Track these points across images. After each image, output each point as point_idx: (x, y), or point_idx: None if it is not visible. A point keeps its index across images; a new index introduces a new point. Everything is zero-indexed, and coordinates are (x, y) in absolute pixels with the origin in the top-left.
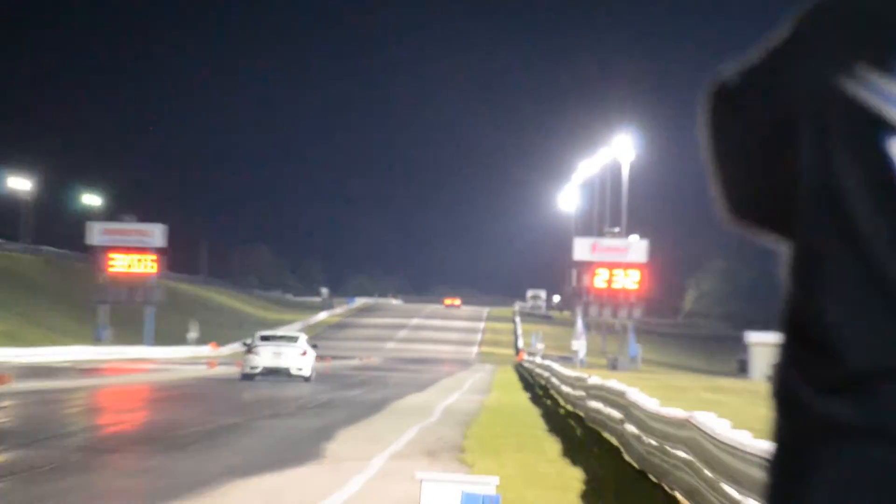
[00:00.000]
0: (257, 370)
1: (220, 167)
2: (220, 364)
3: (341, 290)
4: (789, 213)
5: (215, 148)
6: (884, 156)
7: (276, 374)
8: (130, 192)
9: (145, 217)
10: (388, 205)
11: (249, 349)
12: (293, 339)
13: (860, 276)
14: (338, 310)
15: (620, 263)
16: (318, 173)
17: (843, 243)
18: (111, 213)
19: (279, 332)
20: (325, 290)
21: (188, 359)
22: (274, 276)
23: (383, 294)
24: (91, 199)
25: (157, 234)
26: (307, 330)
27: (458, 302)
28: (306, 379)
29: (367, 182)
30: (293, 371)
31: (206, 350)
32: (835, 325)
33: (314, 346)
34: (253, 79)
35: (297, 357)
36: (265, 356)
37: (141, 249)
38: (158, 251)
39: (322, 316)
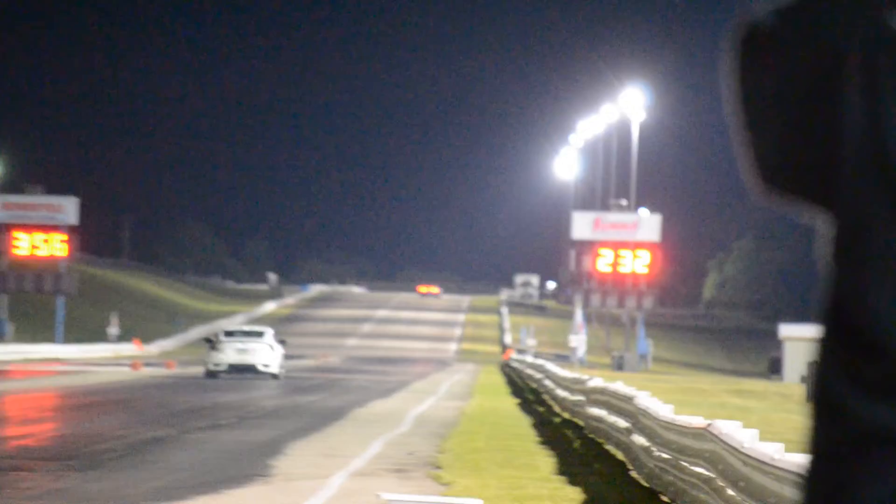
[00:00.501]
0: (221, 367)
1: (148, 131)
2: (147, 365)
3: (293, 276)
4: (832, 179)
5: (142, 109)
6: None
7: (243, 371)
8: (39, 160)
9: (55, 189)
10: (348, 175)
11: (213, 345)
12: (259, 335)
13: None
14: (289, 299)
15: (628, 243)
16: (265, 139)
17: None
18: (14, 185)
19: (245, 326)
20: (273, 276)
21: (108, 359)
22: (212, 259)
23: (343, 281)
24: None
25: (68, 209)
26: (252, 323)
27: (435, 290)
28: (274, 376)
29: (322, 148)
30: (260, 368)
31: (130, 348)
32: (886, 316)
33: (282, 342)
34: (192, 31)
35: (263, 353)
36: (229, 353)
37: (49, 227)
38: (70, 230)
39: (270, 307)
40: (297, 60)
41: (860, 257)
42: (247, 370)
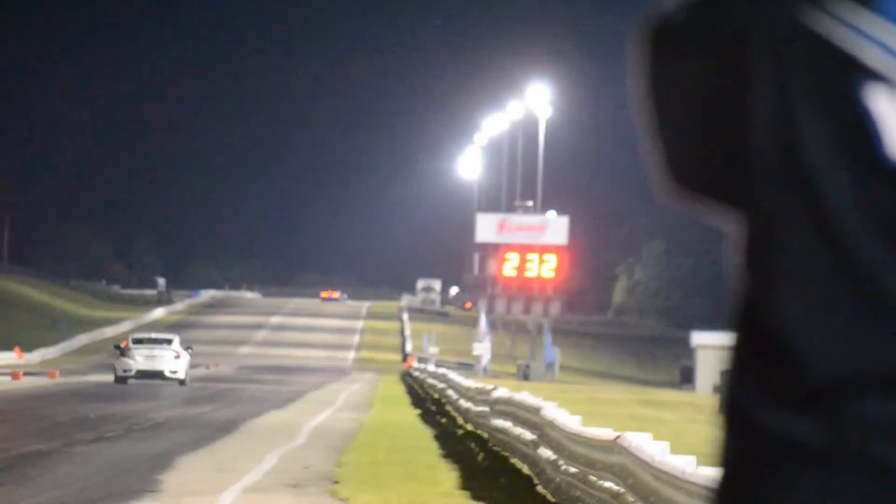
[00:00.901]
0: (131, 373)
1: (28, 126)
2: (27, 374)
3: (182, 280)
4: (743, 179)
5: (22, 103)
6: (857, 107)
7: (151, 377)
8: None
9: None
10: (242, 175)
11: (122, 352)
12: (167, 342)
13: (828, 260)
14: (178, 305)
15: (534, 246)
16: (150, 134)
17: (807, 219)
18: None
19: (153, 334)
20: (161, 281)
21: None
22: (96, 263)
23: (236, 286)
24: None
25: None
26: (140, 330)
27: (336, 294)
28: (181, 382)
29: (215, 147)
30: (167, 374)
31: (10, 357)
32: (797, 324)
33: (188, 349)
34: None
35: (171, 360)
36: (139, 359)
37: None
38: None
39: (158, 313)
40: (190, 53)
41: (771, 261)
42: (155, 376)
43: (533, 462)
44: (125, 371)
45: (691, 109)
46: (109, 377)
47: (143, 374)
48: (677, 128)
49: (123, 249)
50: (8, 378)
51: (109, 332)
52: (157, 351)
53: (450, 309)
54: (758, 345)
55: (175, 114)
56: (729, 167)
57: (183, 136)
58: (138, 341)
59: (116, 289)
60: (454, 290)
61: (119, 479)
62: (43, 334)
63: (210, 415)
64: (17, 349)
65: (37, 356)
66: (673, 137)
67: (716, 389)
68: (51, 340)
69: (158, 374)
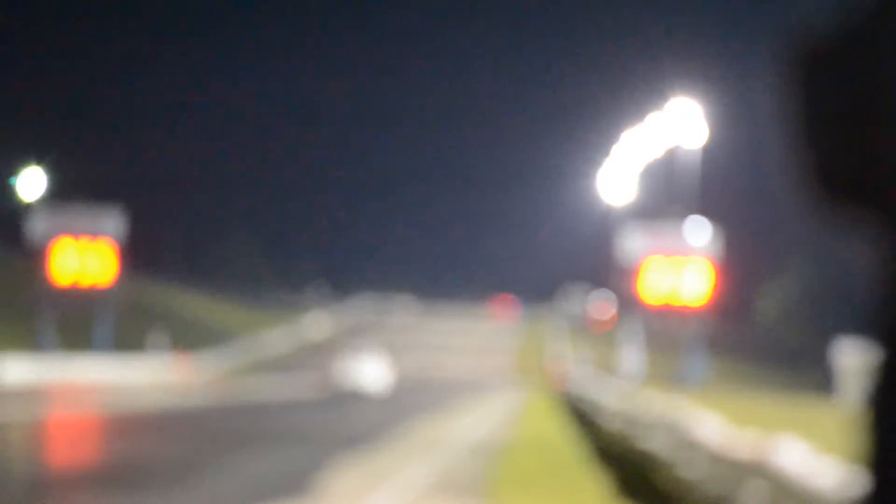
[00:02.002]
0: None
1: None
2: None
3: (340, 291)
4: (891, 186)
5: (169, 118)
6: None
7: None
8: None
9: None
10: (384, 193)
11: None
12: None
13: None
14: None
15: (685, 257)
16: (310, 151)
17: None
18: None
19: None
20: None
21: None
22: (258, 278)
23: (391, 296)
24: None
25: (112, 221)
26: (298, 345)
27: (508, 299)
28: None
29: (365, 165)
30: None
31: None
32: None
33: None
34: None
35: (376, 371)
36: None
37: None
38: (115, 243)
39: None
40: (350, 74)
41: None
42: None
43: (677, 480)
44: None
45: (843, 125)
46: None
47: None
48: (829, 141)
49: (285, 268)
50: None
51: (268, 347)
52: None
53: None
54: None
55: (344, 132)
56: (878, 175)
57: (342, 155)
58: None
59: (278, 297)
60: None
61: (275, 483)
62: (204, 348)
63: (364, 424)
64: (182, 354)
65: (198, 370)
66: (824, 149)
67: (863, 397)
68: (211, 354)
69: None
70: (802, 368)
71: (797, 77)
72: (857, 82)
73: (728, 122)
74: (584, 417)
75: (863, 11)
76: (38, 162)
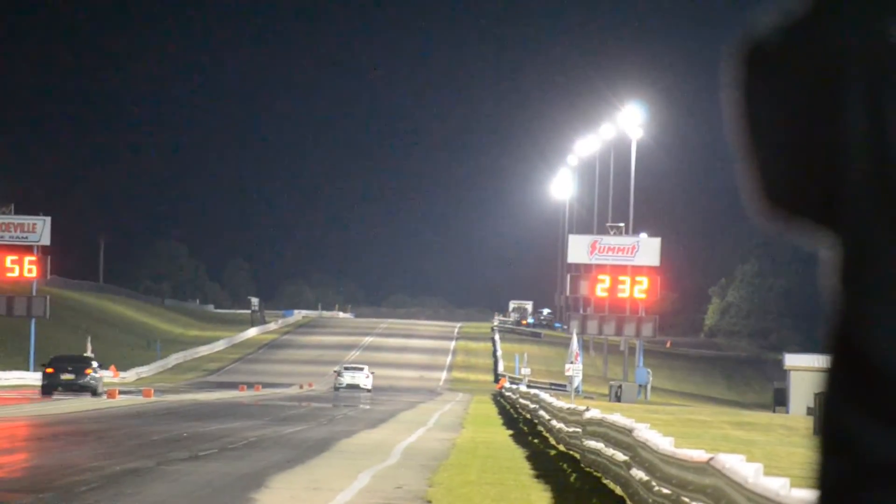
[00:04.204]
0: (343, 387)
1: (123, 147)
2: (122, 393)
3: (274, 300)
4: (837, 199)
5: (113, 126)
6: None
7: (353, 389)
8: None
9: (25, 210)
10: (333, 197)
11: (339, 374)
12: (361, 368)
13: None
14: (271, 325)
15: (626, 268)
16: (244, 157)
17: None
18: None
19: (353, 363)
20: (255, 301)
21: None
22: (190, 282)
23: (328, 306)
24: None
25: (40, 229)
26: (234, 349)
27: None
28: (368, 391)
29: (308, 169)
30: (362, 386)
31: (106, 375)
32: (893, 345)
33: (371, 372)
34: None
35: (364, 378)
36: (347, 377)
37: (21, 249)
38: (42, 250)
39: (251, 332)
40: (291, 73)
41: (866, 282)
42: (355, 388)
43: (625, 483)
44: (339, 385)
45: (786, 131)
46: (203, 395)
47: (350, 387)
48: (772, 149)
49: (217, 270)
50: (104, 396)
51: (203, 350)
52: (357, 373)
53: (543, 331)
54: (854, 366)
55: (277, 137)
56: (823, 188)
57: (278, 159)
58: (346, 368)
59: (210, 308)
60: (546, 312)
61: (213, 497)
62: (138, 353)
63: (303, 434)
64: (112, 368)
65: (132, 374)
66: (767, 159)
67: (810, 411)
68: (146, 359)
69: (356, 387)
70: (748, 381)
71: (740, 79)
72: (795, 85)
73: (679, 127)
74: (525, 420)
75: (800, 12)
76: None
